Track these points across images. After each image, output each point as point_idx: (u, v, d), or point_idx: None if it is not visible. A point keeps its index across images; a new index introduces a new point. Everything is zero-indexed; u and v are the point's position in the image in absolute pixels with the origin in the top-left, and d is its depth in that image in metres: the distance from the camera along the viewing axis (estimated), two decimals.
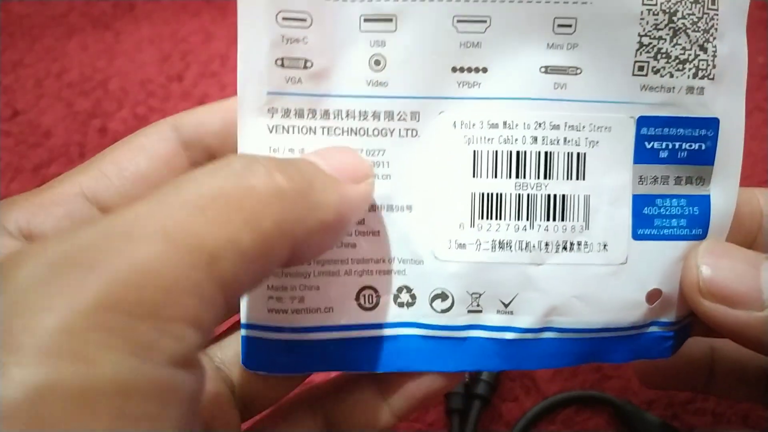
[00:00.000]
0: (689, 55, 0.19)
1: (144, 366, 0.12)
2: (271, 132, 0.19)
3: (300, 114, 0.19)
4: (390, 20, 0.18)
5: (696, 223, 0.20)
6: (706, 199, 0.20)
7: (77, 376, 0.11)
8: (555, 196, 0.19)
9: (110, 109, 0.38)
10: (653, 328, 0.20)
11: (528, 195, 0.19)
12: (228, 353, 0.20)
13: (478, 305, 0.20)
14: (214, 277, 0.13)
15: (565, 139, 0.19)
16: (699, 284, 0.18)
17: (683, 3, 0.18)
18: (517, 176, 0.19)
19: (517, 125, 0.19)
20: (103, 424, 0.11)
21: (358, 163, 0.18)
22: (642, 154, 0.19)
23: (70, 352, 0.11)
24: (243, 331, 0.19)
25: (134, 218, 0.13)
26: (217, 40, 0.40)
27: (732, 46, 0.19)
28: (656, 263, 0.20)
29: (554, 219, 0.19)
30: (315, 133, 0.19)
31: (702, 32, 0.19)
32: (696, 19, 0.19)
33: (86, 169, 0.19)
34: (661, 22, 0.18)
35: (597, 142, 0.19)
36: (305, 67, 0.19)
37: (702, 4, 0.18)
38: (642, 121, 0.19)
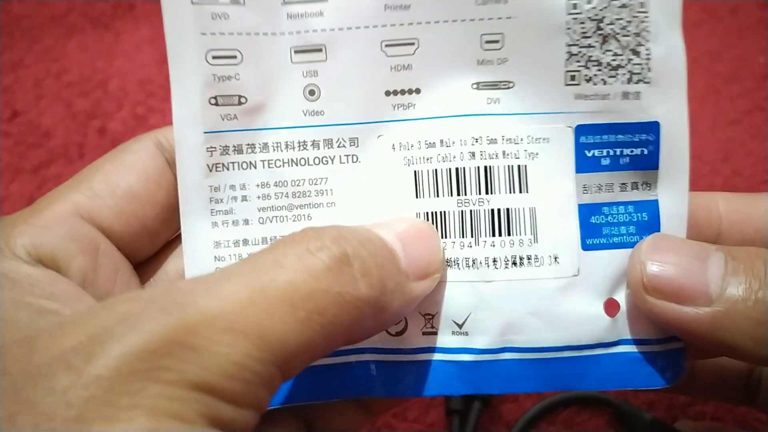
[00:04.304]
0: (621, 60, 0.19)
1: None
2: (211, 171, 0.19)
3: (239, 150, 0.19)
4: (320, 50, 0.19)
5: (645, 229, 0.19)
6: (654, 204, 0.19)
7: None
8: (499, 210, 0.19)
9: (110, 110, 0.38)
10: (624, 348, 0.19)
11: (471, 211, 0.19)
12: None
13: (432, 326, 0.20)
14: (283, 374, 0.14)
15: (503, 152, 0.19)
16: (644, 281, 0.18)
17: (610, 9, 0.18)
18: (458, 193, 0.19)
19: (453, 142, 0.19)
20: None
21: (434, 256, 0.19)
22: (583, 163, 0.19)
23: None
24: None
25: (217, 314, 0.14)
26: None
27: (668, 47, 0.18)
28: (609, 273, 0.19)
29: (500, 234, 0.19)
30: (256, 167, 0.19)
31: (633, 36, 0.18)
32: (625, 24, 0.18)
33: (77, 187, 0.19)
34: (589, 30, 0.18)
35: (537, 154, 0.19)
36: (240, 103, 0.19)
37: (629, 8, 0.18)
38: (580, 130, 0.19)
